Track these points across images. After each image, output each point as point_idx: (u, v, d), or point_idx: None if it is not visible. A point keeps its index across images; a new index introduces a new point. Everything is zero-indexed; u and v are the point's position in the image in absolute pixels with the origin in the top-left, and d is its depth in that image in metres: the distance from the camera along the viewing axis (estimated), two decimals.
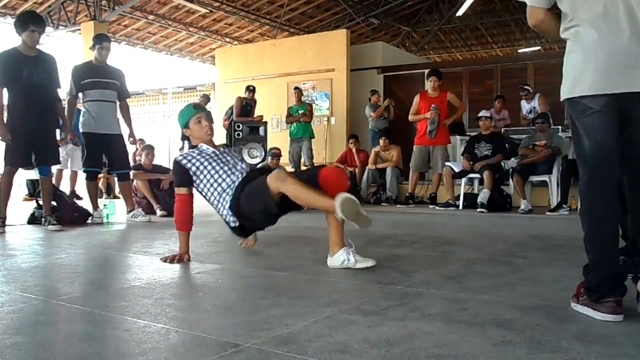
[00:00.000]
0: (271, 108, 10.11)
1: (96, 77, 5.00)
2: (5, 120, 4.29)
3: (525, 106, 7.82)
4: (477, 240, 3.87)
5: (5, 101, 4.32)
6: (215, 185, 2.85)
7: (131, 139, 5.50)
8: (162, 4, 11.76)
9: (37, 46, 4.41)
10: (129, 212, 5.33)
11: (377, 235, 4.02)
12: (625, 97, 1.73)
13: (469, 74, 10.02)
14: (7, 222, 4.40)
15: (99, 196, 5.79)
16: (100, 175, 6.04)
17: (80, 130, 5.07)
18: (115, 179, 8.42)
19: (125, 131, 5.30)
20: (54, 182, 6.50)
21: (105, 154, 5.20)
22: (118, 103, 5.18)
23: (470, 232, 4.44)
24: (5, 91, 4.31)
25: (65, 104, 5.05)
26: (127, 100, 5.37)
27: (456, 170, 6.65)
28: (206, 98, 8.95)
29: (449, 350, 1.45)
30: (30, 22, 4.32)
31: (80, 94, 5.03)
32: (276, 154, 6.99)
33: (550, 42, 16.41)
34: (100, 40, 5.12)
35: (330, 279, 2.44)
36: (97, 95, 4.99)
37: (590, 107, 1.75)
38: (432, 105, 6.88)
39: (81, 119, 5.06)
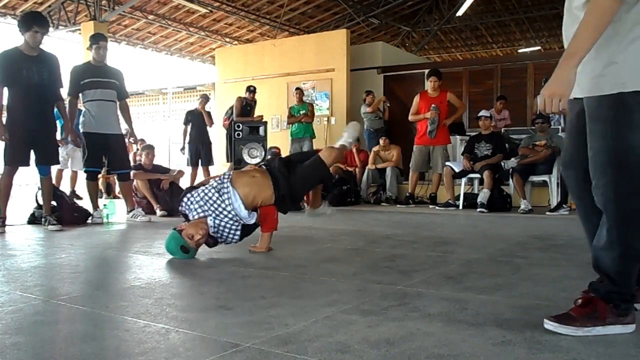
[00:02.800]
0: (271, 108, 10.11)
1: (95, 77, 5.00)
2: (4, 120, 4.29)
3: None
4: (477, 240, 3.87)
5: (4, 101, 4.32)
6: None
7: (132, 138, 5.50)
8: (162, 4, 11.76)
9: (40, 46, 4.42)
10: (129, 212, 5.33)
11: (377, 235, 4.02)
12: None
13: (469, 74, 10.02)
14: (7, 222, 4.40)
15: (99, 196, 5.79)
16: (99, 175, 6.04)
17: (81, 131, 5.07)
18: (116, 178, 8.47)
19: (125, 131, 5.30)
20: (54, 182, 6.49)
21: (106, 154, 5.20)
22: (118, 103, 5.18)
23: (470, 232, 4.44)
24: (5, 91, 4.31)
25: (66, 104, 5.06)
26: (127, 100, 5.38)
27: (456, 170, 6.65)
28: (205, 98, 8.95)
29: (449, 350, 1.45)
30: (33, 22, 4.32)
31: (80, 95, 5.03)
32: (275, 153, 7.00)
33: (550, 42, 16.42)
34: (97, 39, 5.11)
35: (330, 279, 2.44)
36: (97, 95, 4.99)
37: None
38: (433, 105, 6.88)
39: (81, 119, 5.06)
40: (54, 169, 7.83)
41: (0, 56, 4.29)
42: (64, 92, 4.87)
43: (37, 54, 4.37)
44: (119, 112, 5.24)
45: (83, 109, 5.08)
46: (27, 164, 4.42)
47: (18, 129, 4.27)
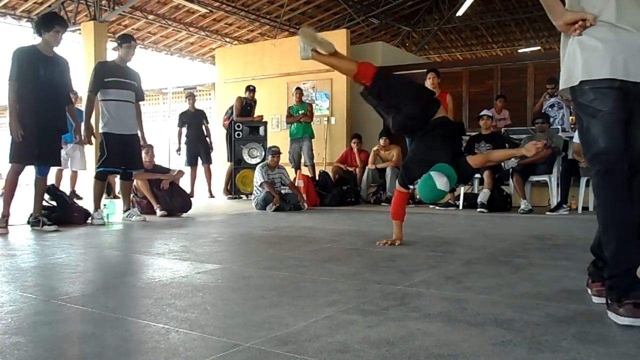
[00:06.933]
0: (271, 108, 10.11)
1: (119, 76, 5.08)
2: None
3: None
4: (477, 240, 3.87)
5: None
6: None
7: (142, 142, 5.52)
8: (162, 4, 11.76)
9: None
10: (124, 211, 5.34)
11: (377, 235, 4.02)
12: None
13: (469, 74, 10.01)
14: (10, 222, 4.39)
15: None
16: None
17: (100, 131, 5.10)
18: (117, 178, 8.46)
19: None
20: (54, 182, 6.48)
21: (124, 154, 5.21)
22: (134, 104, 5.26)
23: (470, 232, 4.44)
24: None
25: (82, 102, 5.06)
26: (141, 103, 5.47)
27: None
28: (192, 97, 8.94)
29: (449, 350, 1.45)
30: (55, 22, 4.38)
31: (99, 92, 5.05)
32: (276, 151, 6.97)
33: (550, 42, 16.44)
34: (129, 39, 5.26)
35: (330, 279, 2.44)
36: (117, 95, 5.05)
37: None
38: None
39: (101, 119, 5.09)
40: (53, 169, 7.83)
41: (18, 52, 4.28)
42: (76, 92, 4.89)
43: (52, 55, 4.41)
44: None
45: (101, 108, 5.10)
46: (33, 162, 4.42)
47: (30, 127, 4.25)
